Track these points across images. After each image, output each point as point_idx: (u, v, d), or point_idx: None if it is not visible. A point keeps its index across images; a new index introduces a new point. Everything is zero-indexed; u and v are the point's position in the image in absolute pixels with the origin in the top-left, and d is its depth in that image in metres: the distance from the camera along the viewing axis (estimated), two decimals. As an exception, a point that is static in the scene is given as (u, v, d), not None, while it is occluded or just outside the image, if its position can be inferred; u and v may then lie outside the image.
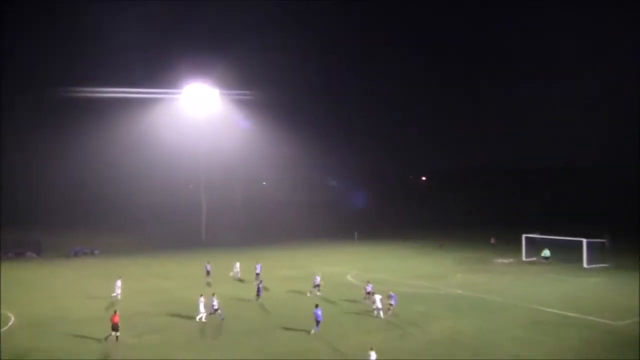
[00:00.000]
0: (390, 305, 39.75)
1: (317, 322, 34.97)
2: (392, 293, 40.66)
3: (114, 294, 46.56)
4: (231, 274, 57.65)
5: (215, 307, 38.62)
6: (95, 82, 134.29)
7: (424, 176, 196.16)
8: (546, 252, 65.17)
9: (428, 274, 57.93)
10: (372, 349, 28.18)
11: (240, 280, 55.44)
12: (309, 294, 47.33)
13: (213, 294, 39.49)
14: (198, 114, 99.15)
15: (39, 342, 33.60)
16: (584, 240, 63.14)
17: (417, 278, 50.40)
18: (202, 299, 39.23)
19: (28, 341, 33.81)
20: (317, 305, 36.21)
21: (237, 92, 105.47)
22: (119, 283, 47.11)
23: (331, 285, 51.34)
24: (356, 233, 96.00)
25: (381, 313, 39.07)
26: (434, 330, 35.68)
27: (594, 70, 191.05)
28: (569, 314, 40.21)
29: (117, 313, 34.17)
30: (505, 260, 68.47)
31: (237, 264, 58.72)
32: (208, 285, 50.76)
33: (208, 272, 57.07)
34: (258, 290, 45.43)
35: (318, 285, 48.02)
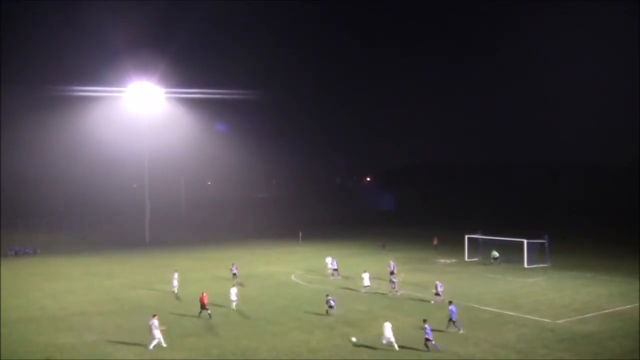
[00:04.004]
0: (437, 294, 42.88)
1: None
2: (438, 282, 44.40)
3: (173, 289, 46.48)
4: (328, 270, 56.49)
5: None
6: (37, 78, 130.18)
7: (368, 177, 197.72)
8: (495, 253, 65.35)
9: (371, 274, 57.75)
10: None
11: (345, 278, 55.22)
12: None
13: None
14: (142, 113, 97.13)
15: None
16: (525, 241, 64.06)
17: (360, 277, 50.24)
18: (233, 289, 42.39)
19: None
20: (450, 302, 35.88)
21: (182, 90, 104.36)
22: (175, 275, 47.50)
23: (275, 285, 51.35)
24: (300, 233, 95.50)
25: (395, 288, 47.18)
26: (374, 330, 35.41)
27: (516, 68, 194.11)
28: (508, 312, 40.60)
29: (205, 294, 38.50)
30: (448, 260, 69.05)
31: (331, 259, 57.71)
32: (240, 285, 49.00)
33: (234, 274, 54.28)
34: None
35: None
